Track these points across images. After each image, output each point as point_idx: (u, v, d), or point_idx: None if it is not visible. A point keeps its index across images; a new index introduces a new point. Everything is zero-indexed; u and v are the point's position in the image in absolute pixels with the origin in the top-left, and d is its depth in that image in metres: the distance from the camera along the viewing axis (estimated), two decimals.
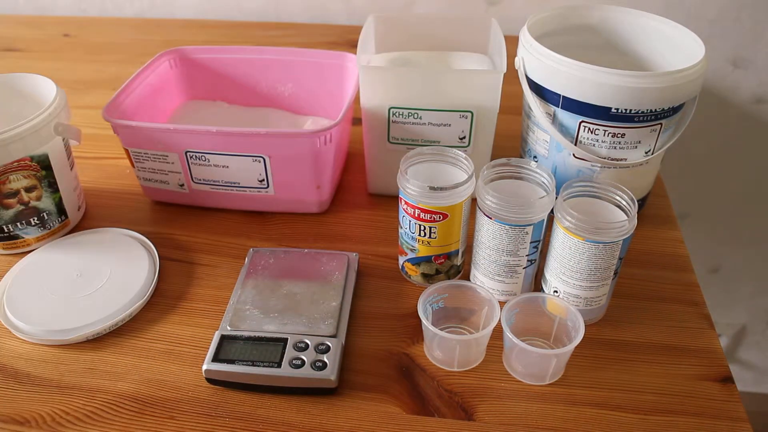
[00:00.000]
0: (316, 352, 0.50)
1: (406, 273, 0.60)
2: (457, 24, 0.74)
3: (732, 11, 0.99)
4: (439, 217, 0.53)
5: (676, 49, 0.64)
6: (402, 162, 0.55)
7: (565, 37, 0.67)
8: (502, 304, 0.51)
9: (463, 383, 0.51)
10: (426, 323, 0.49)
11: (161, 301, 0.59)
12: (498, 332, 0.50)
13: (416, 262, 0.58)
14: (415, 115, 0.63)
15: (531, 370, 0.51)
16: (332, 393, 0.50)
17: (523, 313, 0.52)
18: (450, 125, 0.63)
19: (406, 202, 0.54)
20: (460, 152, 0.56)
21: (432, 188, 0.52)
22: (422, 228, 0.55)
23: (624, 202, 0.52)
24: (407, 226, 0.56)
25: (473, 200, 0.55)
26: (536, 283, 0.58)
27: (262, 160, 0.62)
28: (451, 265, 0.58)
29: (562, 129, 0.60)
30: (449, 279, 0.58)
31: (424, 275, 0.58)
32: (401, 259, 0.59)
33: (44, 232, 0.63)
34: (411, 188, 0.53)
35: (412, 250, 0.57)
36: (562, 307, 0.52)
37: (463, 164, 0.55)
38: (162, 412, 0.49)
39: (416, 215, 0.54)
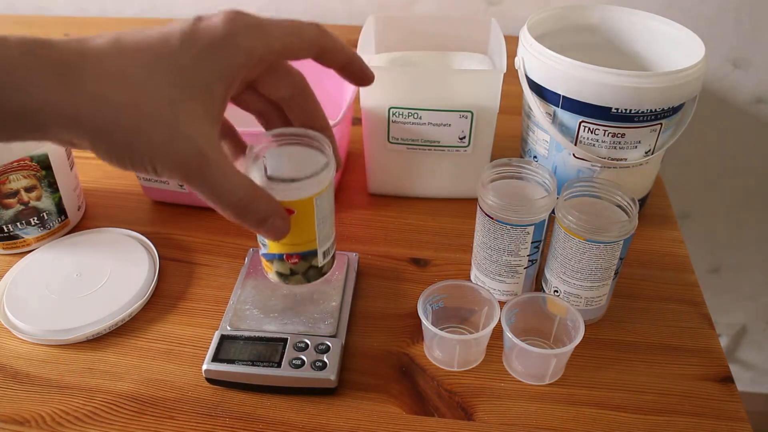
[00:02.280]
0: (316, 352, 0.50)
1: (264, 269, 0.51)
2: (457, 24, 0.74)
3: (732, 11, 0.99)
4: (281, 206, 0.44)
5: (676, 49, 0.64)
6: (249, 149, 0.45)
7: (565, 37, 0.67)
8: (502, 303, 0.51)
9: (463, 383, 0.51)
10: (426, 323, 0.49)
11: (161, 301, 0.59)
12: (498, 332, 0.50)
13: (269, 258, 0.50)
14: (415, 115, 0.63)
15: (531, 370, 0.51)
16: (332, 393, 0.50)
17: (523, 313, 0.52)
18: (450, 125, 0.63)
19: None
20: (320, 135, 0.46)
21: (270, 178, 0.43)
22: None
23: (625, 202, 0.52)
24: None
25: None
26: (536, 282, 0.58)
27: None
28: (309, 267, 0.50)
29: (562, 129, 0.60)
30: (308, 281, 0.50)
31: (279, 274, 0.50)
32: (260, 252, 0.51)
33: (44, 231, 0.63)
34: (255, 176, 0.44)
35: (263, 244, 0.49)
36: (562, 306, 0.52)
37: (325, 150, 0.46)
38: (162, 412, 0.49)
39: None
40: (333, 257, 0.52)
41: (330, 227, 0.49)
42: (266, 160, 0.46)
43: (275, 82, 0.43)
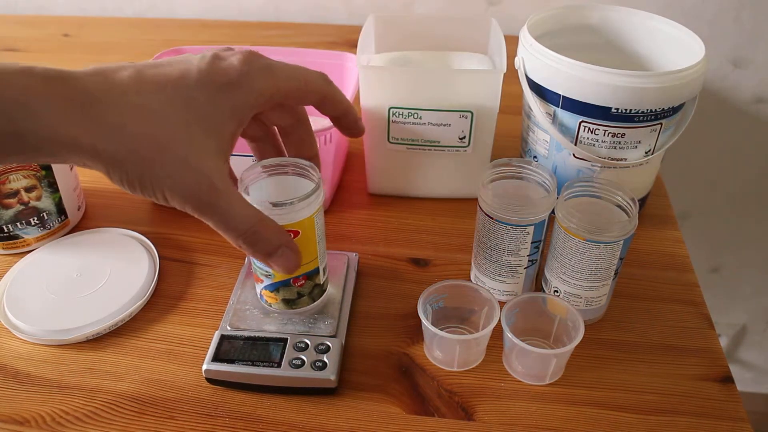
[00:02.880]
0: (316, 352, 0.50)
1: (266, 302, 0.53)
2: (457, 24, 0.74)
3: (732, 11, 0.99)
4: (290, 236, 0.47)
5: (676, 49, 0.64)
6: (240, 181, 0.47)
7: (565, 37, 0.67)
8: (502, 303, 0.51)
9: (463, 383, 0.51)
10: (426, 323, 0.49)
11: (161, 301, 0.59)
12: (498, 332, 0.50)
13: (274, 288, 0.51)
14: (415, 115, 0.63)
15: (531, 370, 0.51)
16: (332, 393, 0.50)
17: (523, 313, 0.52)
18: (450, 125, 0.63)
19: None
20: (305, 161, 0.48)
21: (275, 204, 0.46)
22: None
23: (625, 202, 0.52)
24: None
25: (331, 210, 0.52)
26: (536, 282, 0.58)
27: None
28: (314, 285, 0.52)
29: (562, 129, 0.60)
30: (314, 301, 0.53)
31: (286, 301, 0.52)
32: (258, 287, 0.53)
33: (44, 232, 0.63)
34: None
35: (267, 275, 0.51)
36: (562, 306, 0.52)
37: (310, 173, 0.49)
38: (162, 412, 0.49)
39: None
40: (326, 272, 0.54)
41: (324, 243, 0.52)
42: (261, 190, 0.49)
43: (279, 114, 0.46)
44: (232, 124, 0.39)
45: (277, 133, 0.49)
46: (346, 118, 0.47)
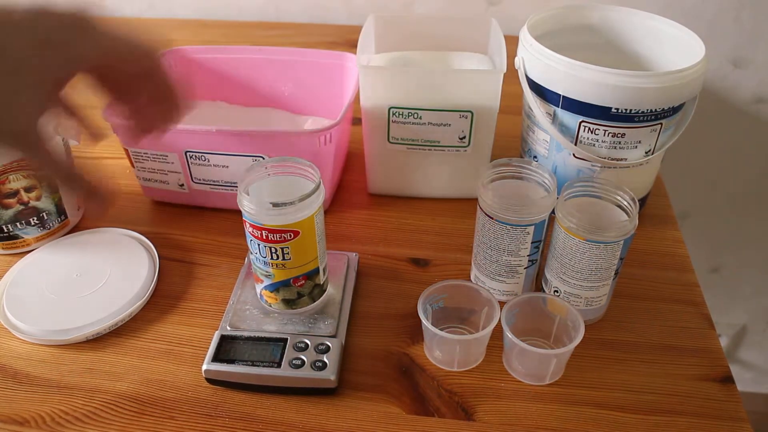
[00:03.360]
0: (316, 352, 0.50)
1: (266, 302, 0.54)
2: (457, 24, 0.74)
3: (732, 11, 0.99)
4: (290, 236, 0.48)
5: (676, 49, 0.64)
6: (240, 181, 0.49)
7: (565, 37, 0.67)
8: (502, 304, 0.51)
9: (463, 383, 0.51)
10: (426, 323, 0.49)
11: (161, 301, 0.59)
12: (498, 332, 0.50)
13: (274, 288, 0.52)
14: (415, 115, 0.63)
15: (531, 370, 0.51)
16: (332, 393, 0.50)
17: (523, 313, 0.52)
18: (450, 125, 0.63)
19: (250, 224, 0.49)
20: (305, 161, 0.50)
21: (275, 204, 0.46)
22: (273, 250, 0.49)
23: (625, 202, 0.52)
24: (257, 250, 0.50)
25: (327, 211, 0.53)
26: (536, 282, 0.58)
27: (262, 160, 0.62)
28: (314, 285, 0.53)
29: (562, 129, 0.60)
30: (314, 301, 0.54)
31: (286, 301, 0.53)
32: (258, 287, 0.54)
33: (44, 232, 0.63)
34: (251, 207, 0.47)
35: (267, 276, 0.51)
36: (562, 306, 0.52)
37: (310, 173, 0.49)
38: (162, 412, 0.49)
39: (264, 237, 0.48)
40: (326, 272, 0.55)
41: (324, 243, 0.52)
42: (261, 190, 0.49)
43: (116, 76, 0.45)
44: (53, 80, 0.40)
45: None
46: (167, 103, 0.45)
